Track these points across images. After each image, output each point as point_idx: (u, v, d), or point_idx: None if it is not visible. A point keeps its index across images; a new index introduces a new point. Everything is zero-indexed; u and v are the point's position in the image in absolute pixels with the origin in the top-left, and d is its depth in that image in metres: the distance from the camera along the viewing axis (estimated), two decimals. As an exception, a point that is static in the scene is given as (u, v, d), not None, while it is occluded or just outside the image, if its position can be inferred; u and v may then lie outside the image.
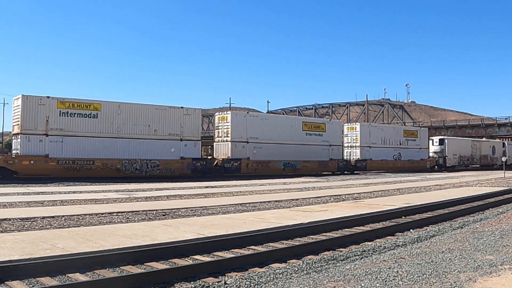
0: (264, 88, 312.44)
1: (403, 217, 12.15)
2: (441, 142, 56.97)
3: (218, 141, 35.32)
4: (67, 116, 26.99)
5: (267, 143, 36.17)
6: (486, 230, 9.17)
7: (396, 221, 11.54)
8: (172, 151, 30.73)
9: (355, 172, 43.26)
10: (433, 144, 56.52)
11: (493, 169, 61.37)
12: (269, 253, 7.39)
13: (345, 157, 44.27)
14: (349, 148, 45.79)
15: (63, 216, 11.21)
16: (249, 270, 6.54)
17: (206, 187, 22.43)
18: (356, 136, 45.67)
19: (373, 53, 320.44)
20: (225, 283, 5.68)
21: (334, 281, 5.41)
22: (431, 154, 55.70)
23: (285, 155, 37.29)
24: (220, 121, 35.11)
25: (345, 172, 42.21)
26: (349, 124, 49.71)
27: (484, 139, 71.97)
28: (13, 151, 27.02)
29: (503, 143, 69.86)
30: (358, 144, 45.35)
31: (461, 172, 50.05)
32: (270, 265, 6.79)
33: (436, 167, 56.44)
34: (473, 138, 69.10)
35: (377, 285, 5.07)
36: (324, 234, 9.49)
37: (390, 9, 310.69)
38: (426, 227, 10.67)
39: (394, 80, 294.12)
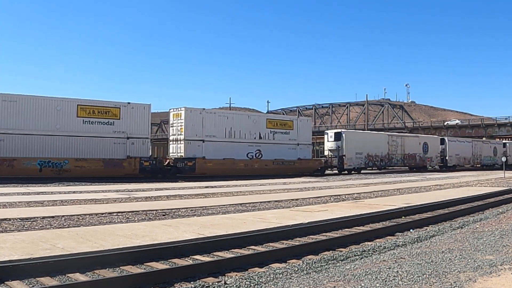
0: (264, 88, 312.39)
1: (403, 217, 12.15)
2: (338, 136, 41.85)
3: None
4: None
5: (12, 134, 25.83)
6: (486, 230, 9.17)
7: (396, 221, 11.54)
8: None
9: (178, 175, 31.15)
10: (328, 140, 42.68)
11: (426, 171, 50.16)
12: (269, 253, 7.39)
13: (175, 155, 32.29)
14: (174, 142, 32.89)
15: (63, 216, 11.21)
16: (249, 270, 6.54)
17: (206, 187, 22.44)
18: (181, 125, 32.36)
19: (373, 53, 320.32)
20: (225, 283, 5.68)
21: (334, 281, 5.41)
22: (326, 153, 42.86)
23: (45, 150, 26.75)
24: None
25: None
26: (174, 109, 33.67)
27: (411, 134, 59.81)
28: None
29: (442, 139, 56.75)
30: (182, 137, 32.08)
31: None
32: (270, 265, 6.79)
33: (335, 169, 42.84)
34: (392, 132, 55.72)
35: (377, 285, 5.07)
36: (324, 234, 9.49)
37: (390, 9, 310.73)
38: (426, 227, 10.67)
39: (394, 80, 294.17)
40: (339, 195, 18.32)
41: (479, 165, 62.08)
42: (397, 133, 55.72)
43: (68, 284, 5.44)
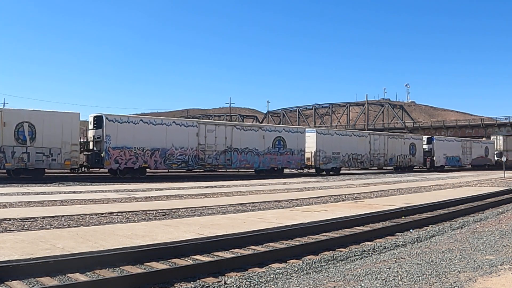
0: (264, 88, 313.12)
1: (403, 217, 12.15)
2: (99, 123, 27.95)
3: None
4: None
5: None
6: (486, 230, 9.16)
7: (396, 221, 11.54)
8: None
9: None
10: (88, 128, 29.28)
11: (281, 177, 33.51)
12: (269, 253, 7.39)
13: None
14: None
15: (63, 216, 11.20)
16: (249, 270, 6.54)
17: (206, 187, 22.43)
18: None
19: (373, 53, 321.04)
20: (225, 283, 5.68)
21: (334, 281, 5.41)
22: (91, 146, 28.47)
23: None
24: None
25: None
26: None
27: (248, 123, 43.33)
28: None
29: (313, 132, 39.23)
30: None
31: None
32: (270, 265, 6.79)
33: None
34: (200, 119, 38.90)
35: (377, 285, 5.07)
36: (324, 234, 9.49)
37: (390, 9, 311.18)
38: (426, 227, 10.67)
39: (394, 80, 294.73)
40: (339, 195, 18.31)
41: (387, 167, 48.53)
42: (214, 122, 36.85)
43: (68, 284, 5.44)
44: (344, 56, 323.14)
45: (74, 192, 18.67)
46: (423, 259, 6.34)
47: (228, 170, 36.43)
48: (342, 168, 42.62)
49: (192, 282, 5.83)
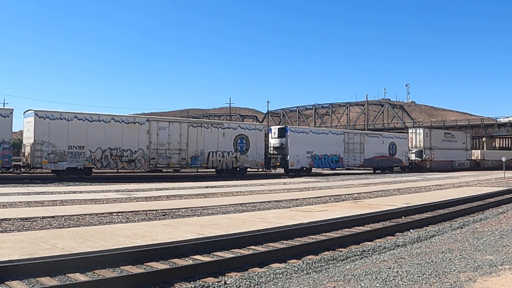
0: (264, 88, 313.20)
1: (403, 217, 12.15)
2: None
3: None
4: None
5: None
6: (486, 230, 9.16)
7: (396, 221, 11.54)
8: None
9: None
10: None
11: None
12: (269, 253, 7.38)
13: None
14: None
15: (63, 216, 11.20)
16: (249, 270, 6.54)
17: (206, 187, 22.43)
18: None
19: (373, 53, 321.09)
20: (225, 283, 5.68)
21: (334, 281, 5.41)
22: None
23: None
24: None
25: None
26: None
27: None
28: None
29: (31, 116, 26.38)
30: None
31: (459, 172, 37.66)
32: (270, 265, 6.79)
33: None
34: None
35: (377, 285, 5.06)
36: (324, 234, 9.49)
37: (390, 9, 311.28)
38: (426, 227, 10.67)
39: (394, 80, 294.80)
40: (339, 195, 18.31)
41: (198, 168, 33.44)
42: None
43: (68, 284, 5.44)
44: (344, 56, 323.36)
45: (74, 192, 18.67)
46: (423, 259, 6.34)
47: None
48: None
49: (192, 282, 5.83)
